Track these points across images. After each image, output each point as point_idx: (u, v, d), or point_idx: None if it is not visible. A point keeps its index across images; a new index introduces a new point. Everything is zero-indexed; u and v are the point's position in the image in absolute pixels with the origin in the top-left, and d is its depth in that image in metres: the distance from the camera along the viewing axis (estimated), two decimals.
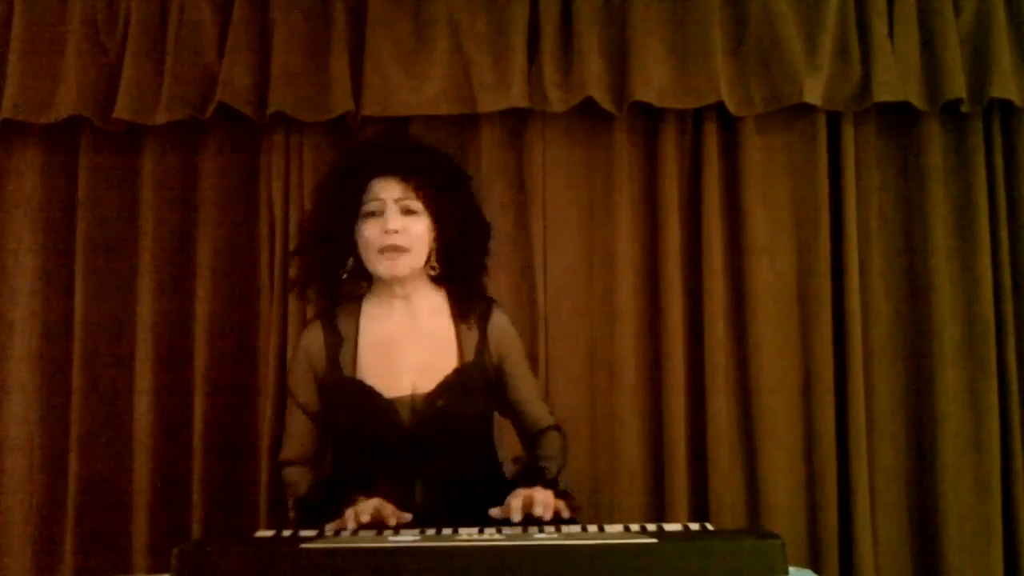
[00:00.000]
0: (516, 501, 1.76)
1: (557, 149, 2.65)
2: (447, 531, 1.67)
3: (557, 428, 2.14)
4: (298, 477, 2.08)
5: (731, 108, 2.55)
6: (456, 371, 2.01)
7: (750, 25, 2.57)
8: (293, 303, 2.58)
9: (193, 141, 2.67)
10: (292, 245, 2.58)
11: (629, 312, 2.60)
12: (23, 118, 2.57)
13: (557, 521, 1.80)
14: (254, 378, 2.65)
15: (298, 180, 2.61)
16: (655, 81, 2.53)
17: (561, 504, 1.84)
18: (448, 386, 1.99)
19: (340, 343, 2.05)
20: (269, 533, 1.72)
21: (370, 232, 1.99)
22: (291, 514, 2.07)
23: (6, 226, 2.67)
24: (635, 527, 1.69)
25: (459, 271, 2.08)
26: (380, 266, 2.00)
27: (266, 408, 2.58)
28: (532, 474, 1.93)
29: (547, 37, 2.56)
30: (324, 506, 1.88)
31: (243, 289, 2.66)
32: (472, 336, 2.05)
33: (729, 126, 2.63)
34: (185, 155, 2.67)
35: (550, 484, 1.89)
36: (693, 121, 2.64)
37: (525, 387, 2.12)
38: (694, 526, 1.69)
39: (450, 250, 2.05)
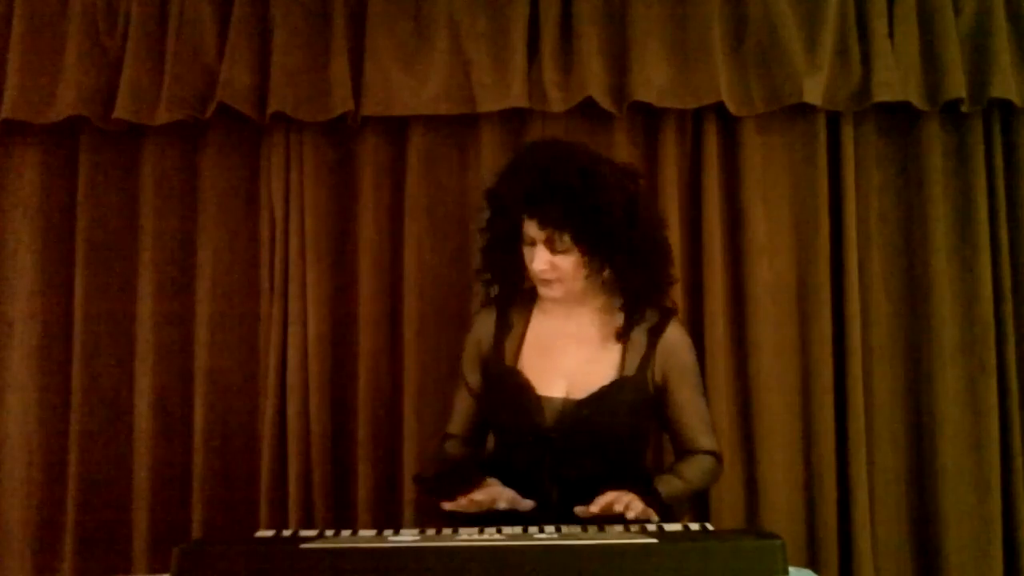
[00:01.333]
0: (601, 497, 1.78)
1: None
2: (447, 531, 1.67)
3: (713, 454, 2.08)
4: (452, 450, 2.12)
5: (731, 108, 2.55)
6: (612, 384, 1.98)
7: (750, 25, 2.57)
8: (293, 303, 2.58)
9: (193, 141, 2.67)
10: (292, 245, 2.59)
11: None
12: (23, 118, 2.57)
13: (627, 521, 1.80)
14: (254, 378, 2.65)
15: (298, 180, 2.61)
16: (655, 81, 2.53)
17: (651, 512, 1.83)
18: (599, 397, 1.96)
19: (508, 331, 2.07)
20: (269, 533, 1.72)
21: (528, 257, 2.00)
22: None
23: (6, 226, 2.67)
24: (635, 527, 1.69)
25: (635, 286, 2.02)
26: (539, 289, 2.03)
27: (266, 408, 2.58)
28: (639, 482, 1.90)
29: (547, 37, 2.56)
30: (449, 481, 1.90)
31: (243, 289, 2.66)
32: (639, 349, 2.02)
33: (729, 126, 2.63)
34: (185, 155, 2.67)
35: (648, 492, 1.87)
36: (693, 121, 2.64)
37: (687, 408, 2.05)
38: (694, 526, 1.69)
39: (618, 272, 2.00)
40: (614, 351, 2.03)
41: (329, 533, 1.69)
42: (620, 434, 2.00)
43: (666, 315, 2.07)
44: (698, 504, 2.55)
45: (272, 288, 2.61)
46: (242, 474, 2.61)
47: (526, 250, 2.00)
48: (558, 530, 1.67)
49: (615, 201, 1.94)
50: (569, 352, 2.03)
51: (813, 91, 2.52)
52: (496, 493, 1.86)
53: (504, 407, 2.03)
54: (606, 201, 1.93)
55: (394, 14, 2.57)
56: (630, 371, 2.00)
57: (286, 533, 1.70)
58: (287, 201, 2.61)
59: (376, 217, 2.63)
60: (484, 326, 2.11)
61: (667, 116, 2.60)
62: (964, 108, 2.56)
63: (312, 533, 1.69)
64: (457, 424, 2.16)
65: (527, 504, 1.87)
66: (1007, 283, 2.61)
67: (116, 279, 2.65)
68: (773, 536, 1.45)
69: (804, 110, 2.59)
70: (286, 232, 2.60)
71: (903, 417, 2.62)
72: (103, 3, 2.62)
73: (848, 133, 2.61)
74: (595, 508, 1.77)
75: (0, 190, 2.67)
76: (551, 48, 2.56)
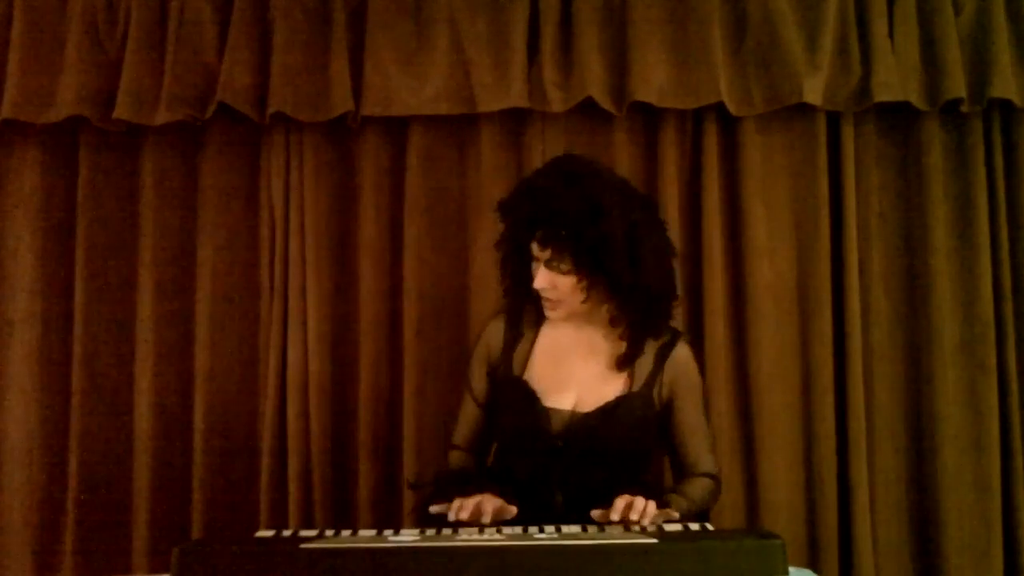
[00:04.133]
0: (618, 502, 1.78)
1: (557, 149, 2.63)
2: (447, 531, 1.67)
3: (713, 477, 2.09)
4: (454, 461, 2.12)
5: (731, 108, 2.55)
6: (619, 398, 1.99)
7: (750, 25, 2.57)
8: (293, 303, 2.58)
9: (193, 141, 2.67)
10: (292, 245, 2.59)
11: None
12: (23, 118, 2.57)
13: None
14: (254, 378, 2.65)
15: (298, 180, 2.61)
16: (655, 81, 2.53)
17: (670, 513, 1.84)
18: (607, 411, 1.97)
19: (518, 341, 2.07)
20: (269, 533, 1.72)
21: (534, 274, 1.99)
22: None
23: (6, 226, 2.67)
24: (635, 527, 1.69)
25: (635, 317, 2.01)
26: (543, 306, 2.02)
27: (266, 408, 2.58)
28: (648, 489, 1.90)
29: (547, 37, 2.56)
30: (443, 492, 1.89)
31: (243, 289, 2.66)
32: (647, 367, 2.02)
33: (729, 126, 2.63)
34: (185, 155, 2.67)
35: (661, 497, 1.87)
36: (693, 121, 2.64)
37: (692, 428, 2.06)
38: (694, 526, 1.69)
39: (619, 302, 1.99)
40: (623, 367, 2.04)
41: (329, 533, 1.69)
42: (626, 447, 2.00)
43: (675, 335, 2.08)
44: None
45: (272, 288, 2.61)
46: (242, 474, 2.61)
47: (533, 266, 2.00)
48: (558, 530, 1.67)
49: (615, 234, 1.91)
50: (578, 365, 2.04)
51: (813, 91, 2.52)
52: (480, 503, 1.82)
53: (511, 416, 2.03)
54: (606, 231, 1.90)
55: (394, 14, 2.57)
56: (637, 387, 2.01)
57: (286, 533, 1.70)
58: (287, 201, 2.61)
59: (376, 217, 2.63)
60: (494, 334, 2.10)
61: (667, 116, 2.60)
62: (964, 108, 2.56)
63: (312, 533, 1.68)
64: (461, 434, 2.14)
65: (511, 511, 1.85)
66: (1007, 283, 2.61)
67: (116, 279, 2.65)
68: (773, 536, 1.45)
69: (804, 110, 2.59)
70: (286, 232, 2.60)
71: (903, 417, 2.62)
72: (103, 3, 2.62)
73: (848, 133, 2.61)
74: (615, 515, 1.77)
75: (0, 190, 2.68)
76: (551, 48, 2.55)
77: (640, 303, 1.98)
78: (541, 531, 1.65)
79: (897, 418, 2.62)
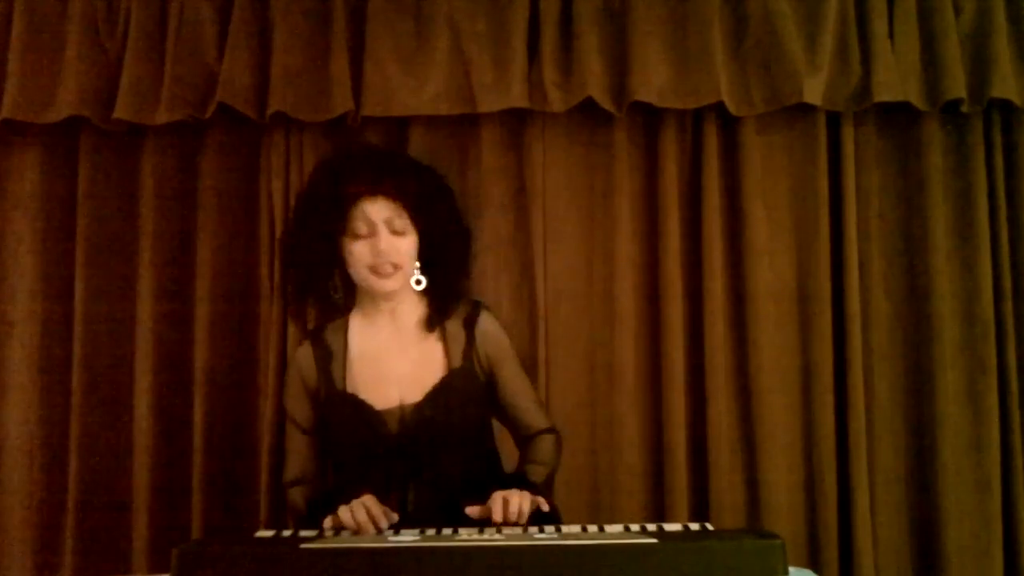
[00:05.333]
0: (495, 504, 1.78)
1: (557, 149, 2.65)
2: (447, 531, 1.67)
3: (551, 431, 2.13)
4: (300, 497, 2.09)
5: (731, 108, 2.55)
6: (442, 380, 2.01)
7: (750, 25, 2.57)
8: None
9: (193, 141, 2.67)
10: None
11: (629, 312, 2.60)
12: (23, 118, 2.57)
13: (536, 521, 1.81)
14: (254, 378, 2.65)
15: (298, 180, 2.61)
16: (655, 81, 2.53)
17: (541, 501, 1.85)
18: (435, 395, 1.99)
19: (330, 358, 2.06)
20: (269, 533, 1.72)
21: (360, 252, 1.98)
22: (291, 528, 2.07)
23: (6, 226, 2.67)
24: (635, 527, 1.69)
25: (441, 279, 2.07)
26: (373, 284, 2.00)
27: (266, 408, 2.58)
28: (515, 481, 1.93)
29: (547, 37, 2.56)
30: (321, 519, 1.87)
31: (243, 289, 2.66)
32: (459, 342, 2.04)
33: (729, 126, 2.63)
34: (185, 155, 2.67)
35: (532, 488, 1.89)
36: (693, 121, 2.64)
37: (517, 390, 2.11)
38: (694, 526, 1.69)
39: (434, 261, 2.05)
40: (436, 348, 2.04)
41: (329, 533, 1.69)
42: (464, 425, 2.02)
43: (475, 305, 2.10)
44: (698, 504, 2.56)
45: (272, 288, 2.61)
46: (242, 474, 2.61)
47: (356, 247, 1.97)
48: (558, 530, 1.67)
49: (444, 186, 2.10)
50: (395, 360, 2.04)
51: (813, 91, 2.52)
52: (367, 504, 1.79)
53: (347, 432, 2.01)
54: (438, 181, 2.09)
55: (394, 14, 2.57)
56: (456, 363, 2.02)
57: (286, 533, 1.71)
58: (287, 201, 2.61)
59: None
60: (304, 361, 2.08)
61: (667, 116, 2.60)
62: (964, 108, 2.56)
63: (312, 533, 1.69)
64: (296, 467, 2.10)
65: (393, 516, 1.84)
66: (1007, 283, 2.61)
67: (116, 279, 2.65)
68: (773, 536, 1.45)
69: (804, 110, 2.60)
70: None
71: (903, 417, 2.63)
72: (103, 3, 2.62)
73: (848, 133, 2.61)
74: (497, 517, 1.77)
75: (0, 190, 2.67)
76: (551, 48, 2.55)
77: (452, 253, 2.08)
78: (541, 531, 1.65)
79: (897, 418, 2.62)
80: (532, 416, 2.12)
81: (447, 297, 2.08)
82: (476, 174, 2.63)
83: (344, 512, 1.77)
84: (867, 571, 2.51)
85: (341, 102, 2.53)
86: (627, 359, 2.59)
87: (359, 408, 1.99)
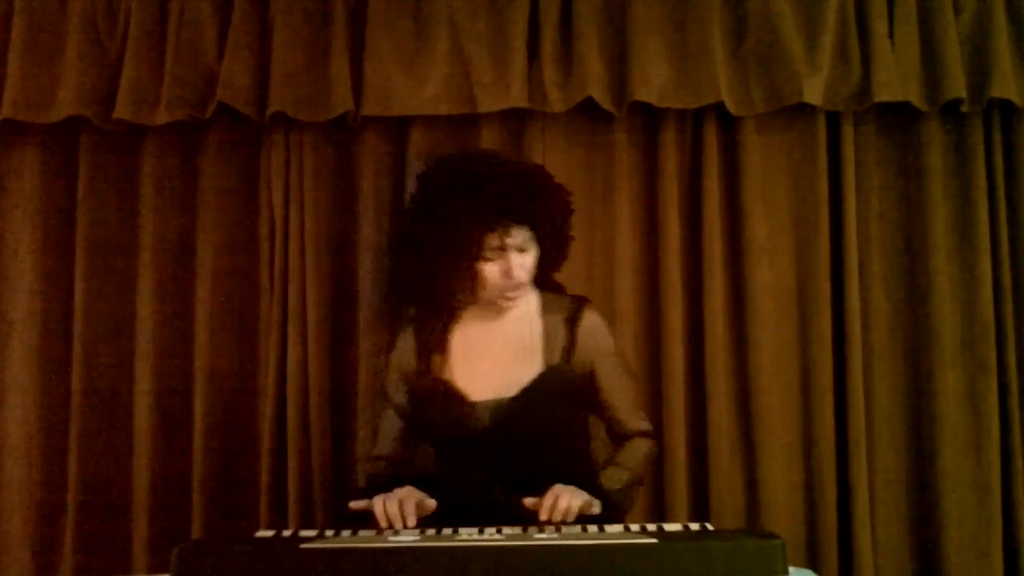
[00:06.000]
0: (546, 499, 1.80)
1: (557, 149, 2.65)
2: (447, 531, 1.67)
3: (646, 434, 2.13)
4: (373, 471, 2.11)
5: (731, 108, 2.55)
6: (539, 376, 2.01)
7: (750, 25, 2.57)
8: (293, 303, 2.58)
9: (193, 141, 2.67)
10: (292, 245, 2.59)
11: (629, 312, 2.60)
12: (23, 118, 2.57)
13: (583, 520, 1.82)
14: (254, 378, 2.65)
15: (298, 180, 2.61)
16: (655, 81, 2.53)
17: (594, 502, 1.87)
18: (529, 391, 1.99)
19: (432, 346, 2.07)
20: (269, 533, 1.72)
21: (491, 275, 1.99)
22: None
23: (6, 226, 2.67)
24: (635, 527, 1.69)
25: (545, 273, 2.11)
26: (503, 304, 2.03)
27: (266, 408, 2.58)
28: (583, 480, 1.93)
29: (547, 37, 2.55)
30: (371, 492, 1.89)
31: (243, 289, 2.66)
32: (559, 339, 2.04)
33: (729, 126, 2.63)
34: (185, 155, 2.67)
35: (596, 491, 1.90)
36: (693, 121, 2.64)
37: (616, 390, 2.10)
38: (694, 526, 1.69)
39: (546, 263, 2.08)
40: (535, 345, 2.05)
41: (329, 533, 1.69)
42: (556, 423, 2.03)
43: (579, 303, 2.10)
44: (698, 504, 2.56)
45: (272, 288, 2.61)
46: (242, 474, 2.61)
47: (487, 269, 1.98)
48: (558, 530, 1.67)
49: (565, 199, 2.11)
50: (494, 355, 2.05)
51: (813, 91, 2.52)
52: (402, 497, 1.81)
53: (439, 420, 2.03)
54: (561, 194, 2.09)
55: (394, 14, 2.57)
56: (553, 360, 2.03)
57: (286, 533, 1.71)
58: (287, 201, 2.61)
59: (376, 217, 2.62)
60: (406, 347, 2.11)
61: (667, 116, 2.60)
62: (964, 108, 2.56)
63: (312, 533, 1.69)
64: (385, 446, 2.13)
65: (431, 505, 1.85)
66: (1007, 283, 2.61)
67: (116, 279, 2.65)
68: (773, 536, 1.45)
69: (804, 110, 2.59)
70: (286, 232, 2.60)
71: (903, 417, 2.62)
72: (103, 3, 2.62)
73: (848, 133, 2.61)
74: (543, 514, 1.79)
75: (0, 190, 2.67)
76: (551, 48, 2.55)
77: (561, 247, 2.11)
78: (541, 531, 1.65)
79: (897, 418, 2.62)
80: (628, 416, 2.12)
81: (555, 290, 2.14)
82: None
83: (378, 501, 1.79)
84: (867, 571, 2.51)
85: (341, 102, 2.53)
86: (627, 358, 2.58)
87: (453, 396, 2.00)
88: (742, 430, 2.60)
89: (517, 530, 1.68)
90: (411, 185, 2.25)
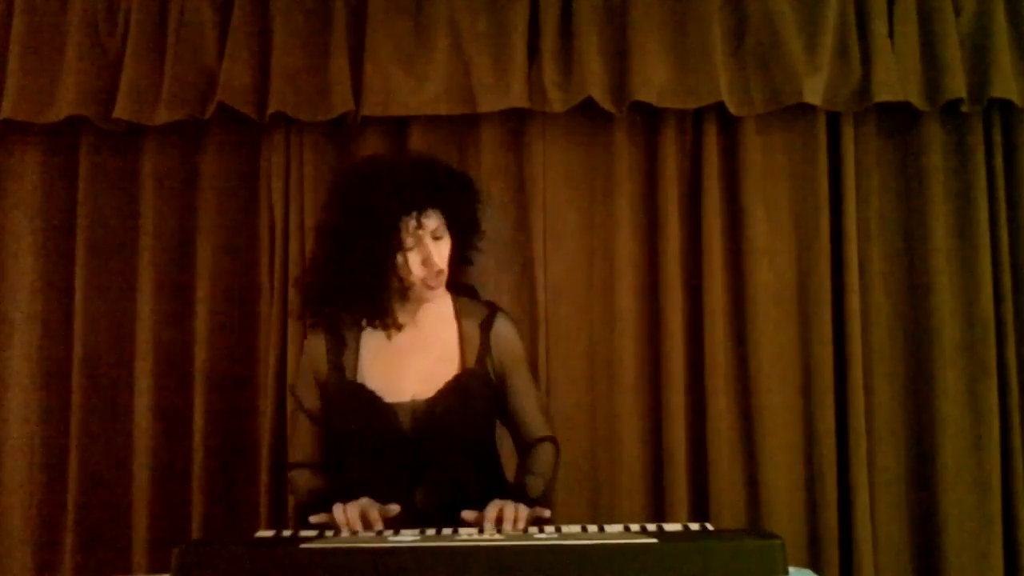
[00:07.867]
0: (490, 512, 1.78)
1: (557, 149, 2.65)
2: (447, 531, 1.67)
3: (551, 440, 2.12)
4: (303, 481, 2.08)
5: (731, 108, 2.55)
6: (456, 378, 2.00)
7: (750, 25, 2.57)
8: (293, 303, 2.57)
9: (193, 141, 2.67)
10: (292, 245, 2.59)
11: (629, 312, 2.60)
12: (23, 118, 2.57)
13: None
14: (254, 378, 2.65)
15: (298, 180, 2.61)
16: (655, 81, 2.53)
17: (542, 511, 1.84)
18: (447, 393, 1.98)
19: (343, 348, 2.04)
20: (269, 533, 1.72)
21: (412, 263, 1.97)
22: (291, 513, 2.07)
23: (6, 226, 2.67)
24: (635, 527, 1.69)
25: (458, 274, 2.09)
26: (424, 294, 2.01)
27: (266, 408, 2.58)
28: (515, 492, 1.92)
29: (547, 37, 2.56)
30: (321, 506, 1.87)
31: (243, 289, 2.66)
32: (474, 342, 2.04)
33: (729, 126, 2.63)
34: (185, 155, 2.68)
35: (530, 502, 1.88)
36: (693, 121, 2.64)
37: (524, 396, 2.10)
38: (694, 526, 1.69)
39: (458, 258, 2.07)
40: (451, 347, 2.04)
41: (329, 533, 1.69)
42: (473, 425, 2.02)
43: (492, 309, 2.10)
44: (698, 504, 2.56)
45: (272, 288, 2.61)
46: (242, 474, 2.61)
47: (406, 258, 1.96)
48: (558, 530, 1.67)
49: (475, 186, 2.10)
50: (410, 355, 2.03)
51: (813, 91, 2.52)
52: (364, 506, 1.80)
53: (356, 422, 2.00)
54: (471, 183, 2.09)
55: (394, 14, 2.58)
56: (470, 363, 2.02)
57: (286, 533, 1.70)
58: (287, 201, 2.61)
59: None
60: (315, 349, 2.06)
61: (667, 116, 2.60)
62: (964, 108, 2.56)
63: (312, 533, 1.68)
64: (301, 451, 2.09)
65: (394, 509, 1.84)
66: (1007, 283, 2.61)
67: (116, 279, 2.65)
68: (773, 536, 1.45)
69: (804, 110, 2.60)
70: (286, 232, 2.60)
71: (903, 417, 2.63)
72: (103, 3, 2.62)
73: (848, 133, 2.62)
74: (489, 525, 1.76)
75: (0, 190, 2.68)
76: (551, 48, 2.55)
77: (469, 256, 2.10)
78: (541, 531, 1.65)
79: (897, 418, 2.62)
80: (535, 423, 2.11)
81: (469, 293, 2.12)
82: (476, 174, 2.61)
83: (338, 510, 1.78)
84: (867, 571, 2.51)
85: (341, 102, 2.53)
86: (627, 358, 2.59)
87: (369, 399, 1.98)
88: (742, 430, 2.60)
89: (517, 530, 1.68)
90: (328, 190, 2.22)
